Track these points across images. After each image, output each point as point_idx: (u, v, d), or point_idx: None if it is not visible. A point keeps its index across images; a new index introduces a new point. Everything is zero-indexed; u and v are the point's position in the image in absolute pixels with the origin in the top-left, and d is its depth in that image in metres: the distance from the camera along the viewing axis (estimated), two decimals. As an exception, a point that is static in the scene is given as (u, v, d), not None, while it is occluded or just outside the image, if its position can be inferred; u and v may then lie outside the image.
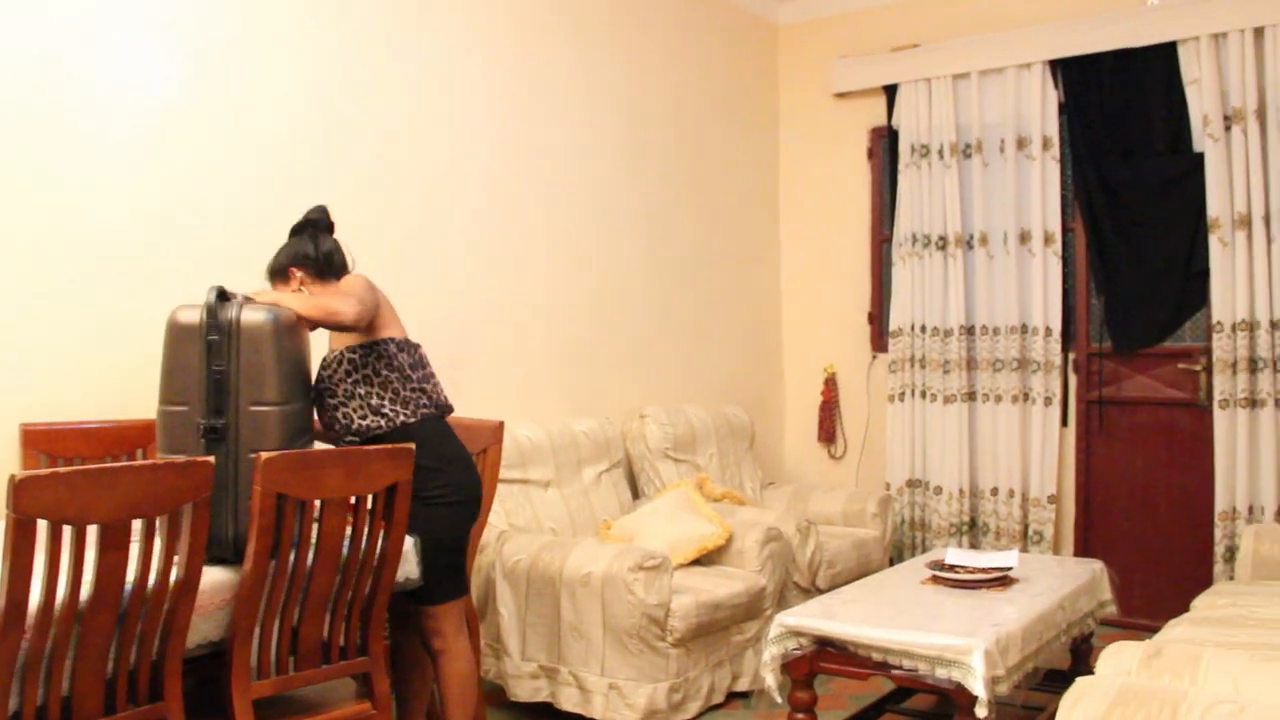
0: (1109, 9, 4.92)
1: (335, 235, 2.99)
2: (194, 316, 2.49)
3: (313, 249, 2.91)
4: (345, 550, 2.55)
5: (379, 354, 2.87)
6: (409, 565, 2.77)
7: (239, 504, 2.46)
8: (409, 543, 2.76)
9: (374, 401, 2.84)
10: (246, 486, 2.42)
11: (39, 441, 2.95)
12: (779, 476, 5.85)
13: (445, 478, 2.88)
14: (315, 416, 2.87)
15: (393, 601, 2.78)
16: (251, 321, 2.50)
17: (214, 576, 2.38)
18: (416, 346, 3.00)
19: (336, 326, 2.77)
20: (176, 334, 2.51)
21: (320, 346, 2.97)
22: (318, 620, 2.55)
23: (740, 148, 5.73)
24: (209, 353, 2.47)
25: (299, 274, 2.90)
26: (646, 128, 5.09)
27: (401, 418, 2.85)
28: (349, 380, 2.85)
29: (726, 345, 5.63)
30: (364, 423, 2.83)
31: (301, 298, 2.77)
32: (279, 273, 2.93)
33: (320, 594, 2.52)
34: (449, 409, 3.03)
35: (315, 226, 2.96)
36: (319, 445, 2.77)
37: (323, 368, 2.88)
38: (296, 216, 3.00)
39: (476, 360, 4.19)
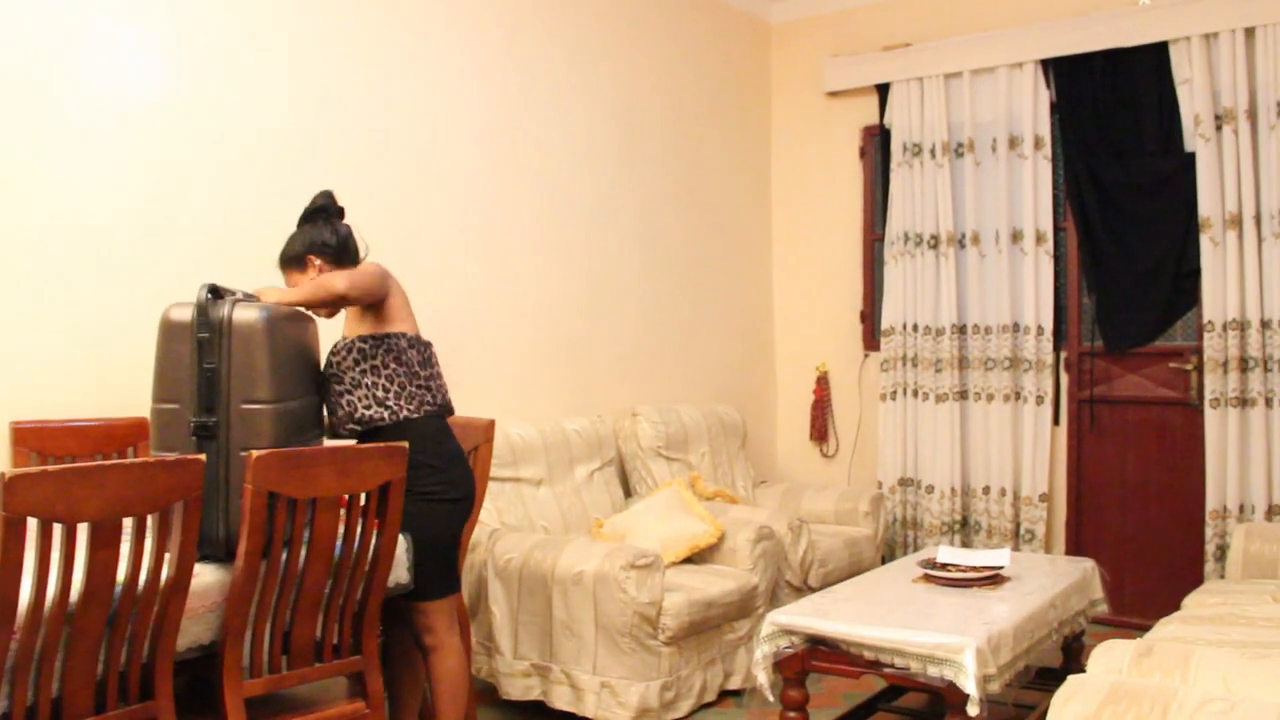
0: (1100, 9, 4.93)
1: (346, 220, 2.98)
2: (186, 314, 2.48)
3: (330, 235, 2.89)
4: (338, 549, 2.54)
5: (388, 347, 2.85)
6: (400, 570, 2.76)
7: (229, 502, 2.44)
8: (401, 546, 2.74)
9: (379, 393, 2.82)
10: (238, 485, 2.41)
11: (29, 439, 2.94)
12: (771, 475, 5.85)
13: (443, 475, 2.87)
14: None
15: (385, 599, 2.77)
16: (243, 319, 2.49)
17: (205, 576, 2.37)
18: (427, 344, 2.99)
19: (332, 300, 2.75)
20: (169, 332, 2.50)
21: (330, 336, 2.96)
22: (310, 619, 2.53)
23: (732, 146, 5.73)
24: (200, 350, 2.46)
25: (318, 261, 2.87)
26: (639, 127, 5.09)
27: (405, 412, 2.83)
28: (356, 369, 2.82)
29: (719, 344, 5.63)
30: (367, 413, 2.81)
31: (296, 288, 2.75)
32: (296, 260, 2.89)
33: (313, 593, 2.51)
34: (451, 410, 3.01)
35: (328, 213, 2.93)
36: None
37: (332, 354, 2.85)
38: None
39: (469, 358, 4.18)
